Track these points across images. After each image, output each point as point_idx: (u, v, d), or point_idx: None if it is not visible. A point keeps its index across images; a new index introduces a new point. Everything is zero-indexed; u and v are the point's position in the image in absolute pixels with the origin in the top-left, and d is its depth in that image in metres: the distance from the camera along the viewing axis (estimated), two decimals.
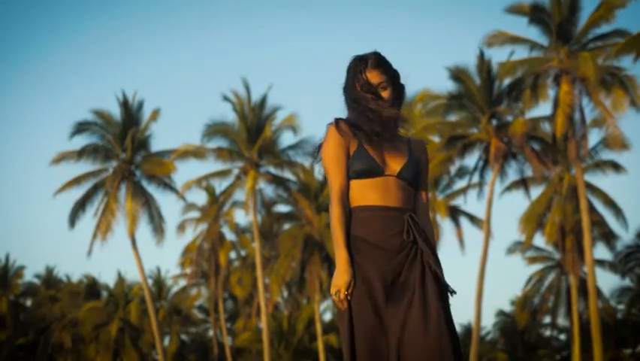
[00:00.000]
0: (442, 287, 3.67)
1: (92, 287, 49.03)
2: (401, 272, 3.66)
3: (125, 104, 35.38)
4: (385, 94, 3.80)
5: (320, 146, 3.85)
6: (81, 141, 35.30)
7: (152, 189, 35.01)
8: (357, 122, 3.77)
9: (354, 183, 3.75)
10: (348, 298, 3.63)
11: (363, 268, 3.65)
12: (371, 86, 3.78)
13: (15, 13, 69.55)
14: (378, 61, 3.81)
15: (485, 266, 30.91)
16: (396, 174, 3.76)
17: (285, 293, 47.31)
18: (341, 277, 3.62)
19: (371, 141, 3.75)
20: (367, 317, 3.62)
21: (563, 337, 47.92)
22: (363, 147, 3.75)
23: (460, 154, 31.33)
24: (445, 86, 40.96)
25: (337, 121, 3.80)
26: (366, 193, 3.73)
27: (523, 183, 33.08)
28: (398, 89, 3.84)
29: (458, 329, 53.84)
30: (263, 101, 35.60)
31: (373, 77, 3.79)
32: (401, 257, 3.68)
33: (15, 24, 69.54)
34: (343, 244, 3.65)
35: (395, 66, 3.86)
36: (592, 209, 33.57)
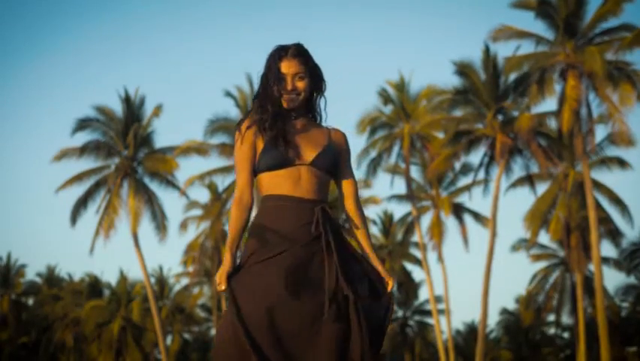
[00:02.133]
0: (353, 285, 3.57)
1: (94, 286, 48.84)
2: (308, 265, 3.58)
3: (127, 101, 35.09)
4: (300, 84, 3.74)
5: None
6: (83, 138, 35.09)
7: (154, 186, 34.71)
8: (260, 116, 3.72)
9: (266, 174, 3.70)
10: (226, 286, 3.59)
11: (265, 263, 3.61)
12: (281, 75, 3.71)
13: (17, 13, 69.43)
14: (298, 51, 3.77)
15: (491, 264, 30.65)
16: (309, 163, 3.68)
17: None
18: (223, 271, 3.63)
19: (274, 136, 3.67)
20: (258, 312, 3.51)
21: (566, 335, 47.71)
22: (272, 140, 3.67)
23: (465, 150, 31.09)
24: (451, 81, 40.78)
25: (240, 122, 3.75)
26: (279, 182, 3.68)
27: (528, 180, 32.84)
28: (317, 82, 3.77)
29: (462, 327, 53.24)
30: None
31: (291, 65, 3.73)
32: (309, 249, 3.60)
33: (17, 23, 69.43)
34: (230, 248, 3.67)
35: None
36: (597, 206, 33.28)
